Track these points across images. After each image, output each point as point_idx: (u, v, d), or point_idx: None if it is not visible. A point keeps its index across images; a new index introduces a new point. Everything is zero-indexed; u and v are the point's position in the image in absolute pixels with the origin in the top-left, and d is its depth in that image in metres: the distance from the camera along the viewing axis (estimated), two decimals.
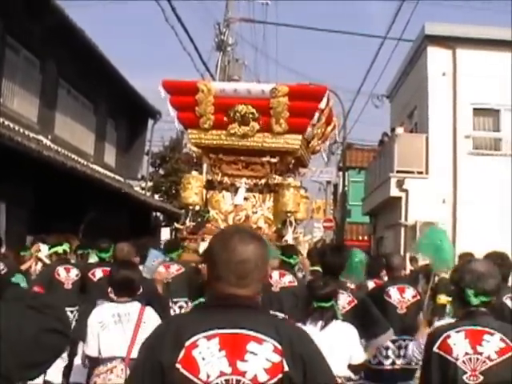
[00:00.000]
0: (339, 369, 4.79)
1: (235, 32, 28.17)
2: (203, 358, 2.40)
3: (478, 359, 3.57)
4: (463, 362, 3.57)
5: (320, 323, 5.19)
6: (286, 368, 2.41)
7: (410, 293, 7.04)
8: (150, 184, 30.86)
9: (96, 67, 19.67)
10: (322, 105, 10.05)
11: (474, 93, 19.33)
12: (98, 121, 22.56)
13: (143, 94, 24.60)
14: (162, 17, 17.72)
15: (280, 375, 2.40)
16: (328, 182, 37.42)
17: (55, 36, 16.83)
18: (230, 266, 2.49)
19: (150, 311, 5.45)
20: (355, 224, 34.60)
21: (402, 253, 17.57)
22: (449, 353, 3.60)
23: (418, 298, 7.12)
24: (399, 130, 20.38)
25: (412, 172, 19.66)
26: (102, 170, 21.69)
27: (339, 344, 5.09)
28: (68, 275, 8.68)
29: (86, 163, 19.53)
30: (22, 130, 15.44)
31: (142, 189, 27.41)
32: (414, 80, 21.98)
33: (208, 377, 2.38)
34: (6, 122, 14.30)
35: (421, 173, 19.62)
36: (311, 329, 4.98)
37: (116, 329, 5.31)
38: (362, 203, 26.92)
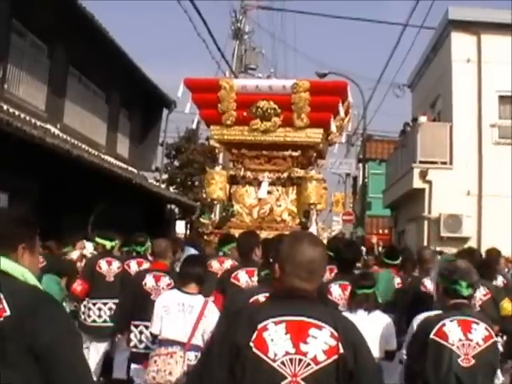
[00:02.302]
0: (376, 352, 5.24)
1: (252, 20, 27.68)
2: (272, 340, 2.84)
3: (469, 345, 4.19)
4: (457, 347, 4.16)
5: (366, 310, 5.80)
6: (342, 350, 2.84)
7: None
8: (164, 176, 30.27)
9: (108, 54, 19.06)
10: (344, 100, 10.26)
11: (499, 80, 18.56)
12: (110, 110, 21.94)
13: (157, 83, 23.99)
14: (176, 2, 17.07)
15: (335, 356, 2.83)
16: (347, 175, 36.84)
17: (63, 21, 16.24)
18: (302, 264, 2.97)
19: (211, 306, 5.92)
20: (375, 217, 33.94)
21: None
22: (445, 339, 4.17)
23: None
24: (422, 119, 19.52)
25: (435, 163, 18.91)
26: (114, 161, 21.07)
27: (381, 330, 5.72)
28: (109, 268, 8.86)
29: (96, 153, 18.91)
30: (28, 118, 14.84)
31: (157, 181, 26.79)
32: (437, 67, 21.19)
33: (275, 355, 2.82)
34: (11, 110, 13.69)
35: (444, 163, 18.87)
36: (360, 315, 5.70)
37: (178, 316, 5.83)
38: (383, 195, 26.14)
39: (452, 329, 4.21)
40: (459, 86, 19.21)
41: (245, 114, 10.17)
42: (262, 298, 4.58)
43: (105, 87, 21.11)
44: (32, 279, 2.93)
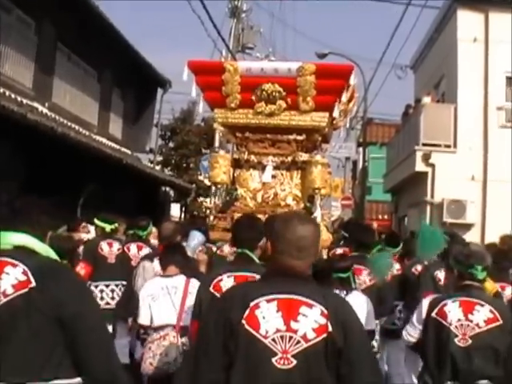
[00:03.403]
0: None
1: None
2: (263, 317, 2.95)
3: (468, 325, 4.33)
4: (456, 326, 4.33)
5: (341, 292, 5.80)
6: (330, 329, 2.93)
7: None
8: (159, 158, 29.65)
9: (99, 31, 18.28)
10: (350, 83, 10.03)
11: (507, 60, 17.68)
12: (102, 89, 21.18)
13: (151, 61, 23.22)
14: None
15: (324, 335, 2.93)
16: (347, 159, 36.20)
17: None
18: (291, 242, 3.03)
19: (194, 282, 5.94)
20: (375, 202, 33.32)
21: None
22: (444, 318, 4.38)
23: None
24: (426, 100, 18.76)
25: (439, 145, 18.18)
26: (106, 142, 20.40)
27: (358, 311, 5.12)
28: (111, 250, 8.83)
29: (87, 133, 18.22)
30: (13, 96, 14.15)
31: (151, 162, 26.16)
32: (442, 47, 20.42)
33: (266, 332, 2.94)
34: None
35: (448, 146, 18.14)
36: None
37: (165, 300, 5.91)
38: (384, 180, 25.49)
39: (452, 309, 4.39)
40: (465, 67, 18.43)
41: (253, 98, 9.80)
42: (225, 277, 4.71)
43: (96, 65, 20.33)
44: (54, 255, 3.24)
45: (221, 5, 37.04)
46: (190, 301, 5.63)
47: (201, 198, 29.17)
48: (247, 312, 2.96)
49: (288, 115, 9.94)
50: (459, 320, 4.35)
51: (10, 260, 3.06)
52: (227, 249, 8.52)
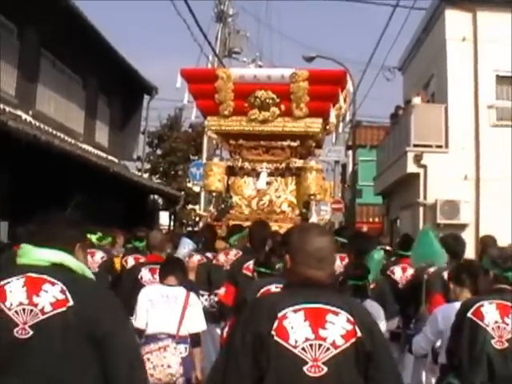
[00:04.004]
0: None
1: (236, 2, 26.76)
2: (292, 327, 2.98)
3: (505, 328, 4.25)
4: (492, 328, 4.23)
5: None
6: (359, 334, 2.99)
7: None
8: (147, 165, 29.34)
9: (84, 37, 18.01)
10: (343, 88, 10.44)
11: (496, 59, 17.60)
12: (88, 96, 20.85)
13: (137, 68, 22.96)
14: None
15: (353, 339, 2.98)
16: (336, 162, 35.94)
17: (34, 1, 15.19)
18: (311, 253, 3.12)
19: (193, 296, 6.12)
20: (366, 205, 33.11)
21: None
22: (481, 319, 4.26)
23: None
24: (416, 100, 18.54)
25: (430, 146, 17.96)
26: (93, 150, 20.06)
27: None
28: (93, 259, 8.56)
29: (73, 142, 17.88)
30: None
31: (139, 170, 25.84)
32: (431, 47, 20.22)
33: (296, 342, 2.97)
34: None
35: (440, 147, 17.91)
36: None
37: (164, 308, 5.92)
38: (374, 183, 25.26)
39: (489, 310, 4.29)
40: (454, 66, 18.21)
41: (246, 105, 10.13)
42: (273, 288, 4.69)
43: (81, 72, 19.97)
44: (89, 273, 3.28)
45: (207, 9, 36.78)
46: (190, 313, 5.95)
47: (190, 206, 28.91)
48: (276, 323, 2.99)
49: (282, 122, 10.19)
50: (496, 322, 4.29)
51: (47, 278, 3.09)
52: (223, 258, 8.39)
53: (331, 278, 3.24)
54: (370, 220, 32.91)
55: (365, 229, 16.78)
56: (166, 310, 5.94)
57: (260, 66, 22.28)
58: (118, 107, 23.62)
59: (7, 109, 14.40)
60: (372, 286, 6.70)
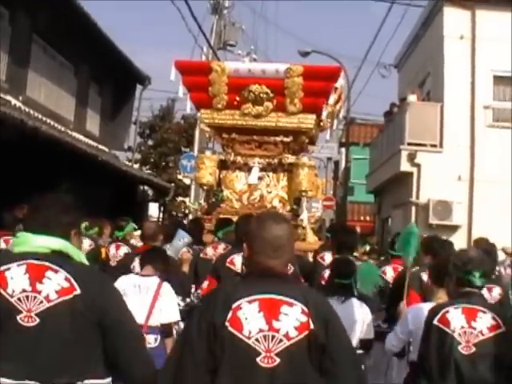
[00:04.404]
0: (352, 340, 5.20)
1: None
2: (246, 318, 2.99)
3: (471, 333, 4.22)
4: (459, 334, 4.22)
5: (340, 298, 5.77)
6: (312, 326, 2.99)
7: None
8: (137, 156, 29.07)
9: (77, 24, 17.57)
10: (337, 85, 10.45)
11: (494, 58, 17.44)
12: (79, 84, 20.50)
13: (130, 57, 22.59)
14: None
15: (306, 332, 2.98)
16: (329, 159, 35.78)
17: None
18: (266, 242, 3.10)
19: (166, 286, 6.05)
20: (357, 203, 32.96)
21: None
22: (447, 325, 4.25)
23: None
24: (411, 98, 18.33)
25: (424, 145, 17.78)
26: (83, 139, 19.76)
27: (354, 319, 5.71)
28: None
29: (63, 129, 17.59)
30: None
31: (129, 160, 25.56)
32: (428, 44, 20.01)
33: (250, 333, 2.98)
34: None
35: (434, 146, 17.73)
36: (333, 302, 5.25)
37: (135, 298, 5.74)
38: (366, 181, 25.10)
39: (455, 316, 4.27)
40: (451, 65, 18.01)
41: (237, 98, 10.14)
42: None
43: (73, 59, 19.62)
44: (85, 260, 3.31)
45: (202, 1, 36.48)
46: (160, 303, 5.92)
47: (180, 198, 28.66)
48: (230, 314, 2.99)
49: (275, 117, 10.16)
50: (462, 327, 4.24)
51: (49, 265, 3.10)
52: (211, 251, 8.29)
53: (287, 267, 3.27)
54: (362, 218, 32.79)
55: (357, 229, 16.44)
56: (137, 301, 5.76)
57: (255, 60, 21.89)
58: (110, 96, 23.29)
59: None
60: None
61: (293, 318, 3.00)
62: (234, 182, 10.59)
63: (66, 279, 3.07)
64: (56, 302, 3.04)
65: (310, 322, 2.99)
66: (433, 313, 4.40)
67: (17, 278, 3.06)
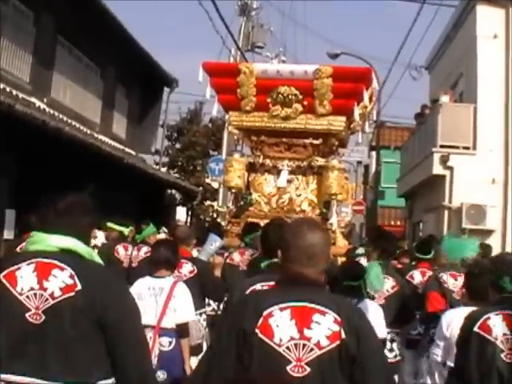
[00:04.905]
0: None
1: None
2: (277, 325, 2.93)
3: None
4: (501, 341, 3.96)
5: (352, 300, 5.54)
6: (344, 336, 2.91)
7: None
8: (165, 159, 28.88)
9: (102, 25, 17.49)
10: (368, 86, 10.22)
11: None
12: (105, 86, 20.40)
13: (158, 59, 22.42)
14: None
15: (338, 341, 2.90)
16: (359, 163, 35.40)
17: None
18: (301, 249, 3.04)
19: (181, 286, 6.00)
20: (388, 208, 32.52)
21: None
22: (488, 333, 3.98)
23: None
24: (444, 99, 17.81)
25: (457, 147, 17.23)
26: (109, 141, 19.59)
27: (372, 319, 5.13)
28: (126, 253, 9.40)
29: (89, 132, 17.41)
30: (8, 89, 13.33)
31: (157, 164, 25.37)
32: (460, 44, 19.50)
33: (280, 340, 2.91)
34: None
35: (467, 148, 17.16)
36: None
37: (150, 300, 5.80)
38: (397, 184, 24.64)
39: (497, 323, 4.02)
40: (485, 65, 17.44)
41: (268, 100, 10.02)
42: (258, 287, 4.41)
43: (99, 61, 19.54)
44: (97, 258, 3.31)
45: (230, 3, 36.38)
46: (173, 303, 5.81)
47: (208, 202, 28.46)
48: (261, 321, 2.94)
49: (304, 119, 10.04)
50: (504, 334, 4.00)
51: (57, 263, 3.12)
52: (238, 257, 8.22)
53: (321, 275, 3.14)
54: (392, 223, 32.37)
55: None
56: (151, 303, 5.85)
57: (283, 62, 21.72)
58: (137, 99, 23.18)
59: (20, 95, 13.95)
60: (395, 290, 6.82)
61: (325, 326, 2.94)
62: (263, 185, 10.49)
63: (71, 276, 3.09)
64: (60, 299, 3.05)
65: (342, 331, 2.93)
66: (472, 319, 4.17)
67: (26, 276, 3.10)
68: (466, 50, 18.68)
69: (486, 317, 4.09)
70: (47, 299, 3.06)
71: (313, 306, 2.98)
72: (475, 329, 4.07)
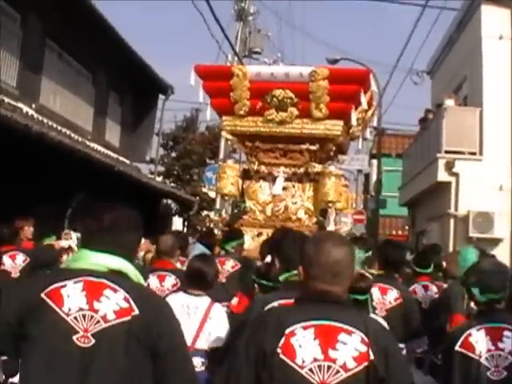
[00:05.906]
0: None
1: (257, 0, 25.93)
2: (300, 346, 2.76)
3: (500, 355, 3.81)
4: (486, 358, 3.81)
5: None
6: (372, 357, 2.74)
7: None
8: (160, 168, 28.36)
9: (94, 29, 16.89)
10: (366, 89, 9.89)
11: None
12: (97, 93, 19.81)
13: (152, 65, 21.85)
14: None
15: (366, 363, 2.74)
16: (359, 171, 34.88)
17: None
18: (326, 267, 2.89)
19: (217, 308, 5.76)
20: (389, 217, 31.97)
21: (451, 248, 14.93)
22: (471, 350, 3.85)
23: None
24: (449, 102, 17.27)
25: (463, 153, 16.72)
26: (102, 150, 18.98)
27: None
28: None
29: (80, 139, 16.80)
30: None
31: (152, 173, 24.83)
32: (464, 46, 19.01)
33: (303, 362, 2.74)
34: None
35: (473, 154, 16.65)
36: None
37: (182, 319, 5.03)
38: (399, 192, 24.14)
39: (479, 338, 3.89)
40: (490, 67, 16.97)
41: (260, 104, 9.71)
42: (276, 305, 4.17)
43: (91, 67, 19.00)
44: (143, 281, 3.20)
45: (226, 8, 36.05)
46: (209, 325, 5.58)
47: (205, 212, 27.92)
48: (283, 340, 2.78)
49: (300, 123, 9.69)
50: (489, 350, 3.86)
51: (108, 283, 2.94)
52: (230, 264, 8.01)
53: (346, 293, 3.01)
54: (394, 232, 31.93)
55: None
56: (185, 321, 5.36)
57: None
58: (131, 106, 22.61)
59: (6, 100, 13.35)
60: (398, 302, 6.45)
61: (351, 347, 2.78)
62: (258, 192, 10.06)
63: (125, 299, 2.92)
64: (113, 322, 2.88)
65: (370, 352, 2.77)
66: (452, 338, 4.06)
67: (73, 295, 2.90)
68: (471, 52, 18.23)
69: (466, 334, 3.95)
70: (98, 321, 2.87)
71: (338, 324, 2.83)
72: (457, 348, 3.93)
